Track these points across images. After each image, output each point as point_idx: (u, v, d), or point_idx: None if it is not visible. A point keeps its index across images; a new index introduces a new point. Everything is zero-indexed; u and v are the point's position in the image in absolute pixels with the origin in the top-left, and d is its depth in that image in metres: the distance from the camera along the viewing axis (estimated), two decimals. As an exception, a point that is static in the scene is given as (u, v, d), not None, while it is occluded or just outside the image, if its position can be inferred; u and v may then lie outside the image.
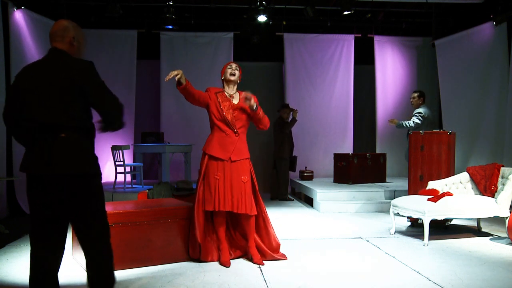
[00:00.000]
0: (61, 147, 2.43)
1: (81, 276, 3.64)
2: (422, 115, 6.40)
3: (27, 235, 4.95)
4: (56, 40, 2.59)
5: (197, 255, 4.02)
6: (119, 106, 2.56)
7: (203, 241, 4.02)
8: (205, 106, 4.04)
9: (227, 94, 4.09)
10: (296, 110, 7.92)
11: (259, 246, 4.08)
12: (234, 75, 4.08)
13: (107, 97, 2.52)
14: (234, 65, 4.15)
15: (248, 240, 4.06)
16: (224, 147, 3.95)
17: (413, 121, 6.41)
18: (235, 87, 4.15)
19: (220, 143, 3.96)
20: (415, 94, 6.69)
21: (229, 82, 4.11)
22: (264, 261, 3.98)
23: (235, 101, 4.06)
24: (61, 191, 2.45)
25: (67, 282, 3.50)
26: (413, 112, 6.63)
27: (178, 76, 3.68)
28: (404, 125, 6.50)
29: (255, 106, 3.93)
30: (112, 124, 2.57)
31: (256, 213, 4.00)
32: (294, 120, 7.89)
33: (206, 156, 4.00)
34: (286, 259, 4.11)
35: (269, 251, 4.08)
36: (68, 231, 2.58)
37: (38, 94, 2.46)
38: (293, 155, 8.32)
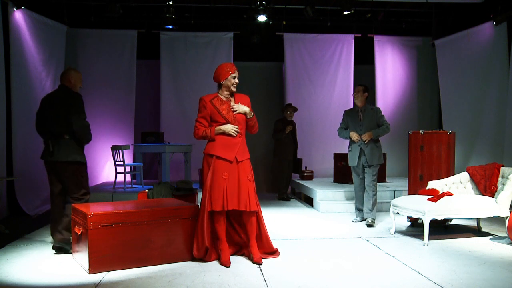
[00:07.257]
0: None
1: (81, 276, 3.65)
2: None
3: (27, 235, 4.96)
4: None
5: (201, 255, 4.05)
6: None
7: (210, 242, 4.07)
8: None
9: (223, 98, 4.17)
10: (290, 126, 7.75)
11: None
12: (236, 86, 4.19)
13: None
14: (237, 73, 4.20)
15: (250, 238, 4.09)
16: (229, 148, 4.05)
17: (387, 126, 5.69)
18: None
19: (225, 144, 4.06)
20: (361, 88, 5.80)
21: (229, 89, 4.17)
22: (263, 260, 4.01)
23: (232, 102, 4.18)
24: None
25: (67, 282, 3.50)
26: (377, 110, 5.84)
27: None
28: (382, 132, 5.67)
29: (250, 115, 4.15)
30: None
31: (257, 209, 4.09)
32: (283, 133, 7.72)
33: (214, 158, 4.06)
34: (278, 256, 4.17)
35: (263, 251, 4.14)
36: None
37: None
38: (298, 157, 8.30)
